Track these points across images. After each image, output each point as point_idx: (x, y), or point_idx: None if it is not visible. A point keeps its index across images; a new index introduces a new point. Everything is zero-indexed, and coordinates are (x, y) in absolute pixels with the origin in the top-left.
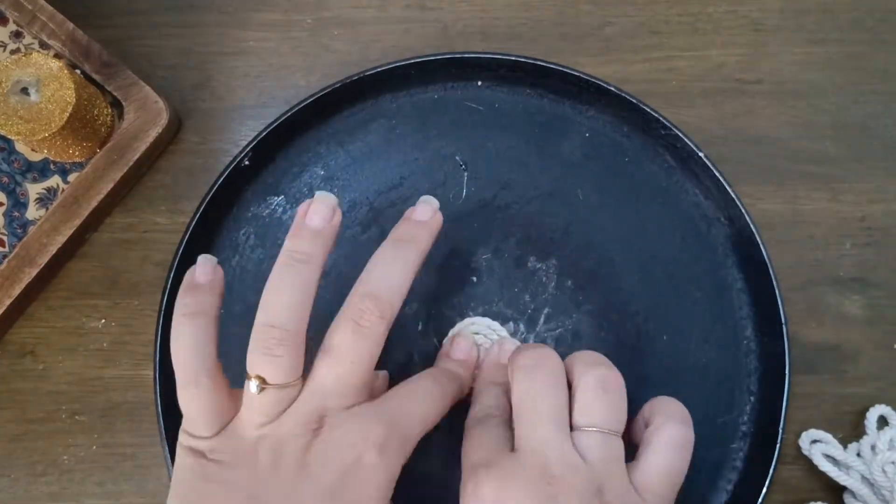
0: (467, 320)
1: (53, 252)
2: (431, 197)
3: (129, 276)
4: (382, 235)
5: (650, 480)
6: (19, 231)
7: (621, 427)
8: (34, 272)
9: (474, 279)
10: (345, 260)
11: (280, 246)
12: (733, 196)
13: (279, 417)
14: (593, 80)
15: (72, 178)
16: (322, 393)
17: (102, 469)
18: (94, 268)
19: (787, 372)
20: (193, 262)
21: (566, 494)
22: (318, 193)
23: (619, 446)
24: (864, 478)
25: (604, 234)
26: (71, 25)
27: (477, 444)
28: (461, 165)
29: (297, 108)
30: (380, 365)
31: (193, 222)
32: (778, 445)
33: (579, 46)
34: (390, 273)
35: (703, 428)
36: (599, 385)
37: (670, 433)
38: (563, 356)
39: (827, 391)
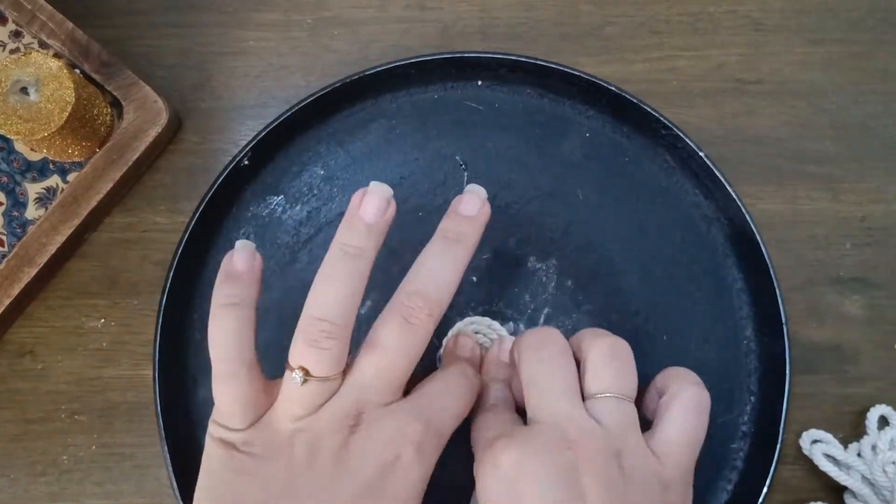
0: (467, 320)
1: (53, 252)
2: (479, 186)
3: (129, 276)
4: None
5: (668, 447)
6: (18, 231)
7: (633, 393)
8: (33, 272)
9: (474, 279)
10: None
11: (280, 245)
12: (733, 196)
13: (317, 411)
14: (593, 80)
15: (71, 177)
16: (361, 387)
17: (102, 469)
18: (93, 267)
19: (787, 372)
20: (193, 261)
21: (586, 459)
22: (372, 184)
23: (633, 411)
24: (864, 478)
25: (604, 234)
26: (70, 25)
27: (490, 424)
28: (461, 165)
29: (296, 108)
30: None
31: (193, 222)
32: (778, 445)
33: (579, 46)
34: (439, 271)
35: None
36: (608, 352)
37: (689, 395)
38: None
39: (827, 391)
